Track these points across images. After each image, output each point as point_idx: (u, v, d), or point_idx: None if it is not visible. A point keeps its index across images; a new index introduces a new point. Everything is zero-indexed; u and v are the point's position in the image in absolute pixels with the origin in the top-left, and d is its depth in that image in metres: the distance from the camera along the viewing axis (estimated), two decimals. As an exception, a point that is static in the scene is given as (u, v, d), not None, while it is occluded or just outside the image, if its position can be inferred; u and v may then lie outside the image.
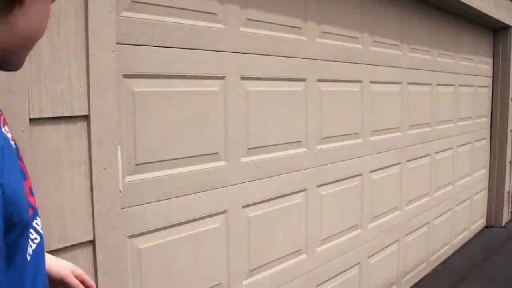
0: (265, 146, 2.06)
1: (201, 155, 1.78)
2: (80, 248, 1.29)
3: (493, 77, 4.82)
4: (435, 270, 3.81)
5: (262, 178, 2.04)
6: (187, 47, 1.70)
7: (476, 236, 4.67)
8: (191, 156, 1.75)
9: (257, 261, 2.06)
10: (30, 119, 1.16)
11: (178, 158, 1.70)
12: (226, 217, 1.90)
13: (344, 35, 2.57)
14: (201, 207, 1.80)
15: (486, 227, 4.93)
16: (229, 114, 1.88)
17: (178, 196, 1.70)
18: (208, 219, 1.83)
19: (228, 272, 1.93)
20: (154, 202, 1.63)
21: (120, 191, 1.39)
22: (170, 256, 1.70)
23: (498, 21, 4.31)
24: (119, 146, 1.38)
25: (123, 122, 1.50)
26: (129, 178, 1.54)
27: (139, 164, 1.58)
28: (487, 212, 4.97)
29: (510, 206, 5.12)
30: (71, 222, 1.26)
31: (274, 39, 2.09)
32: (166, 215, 1.67)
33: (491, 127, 4.86)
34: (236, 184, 1.91)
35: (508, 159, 4.85)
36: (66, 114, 1.23)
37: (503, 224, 4.92)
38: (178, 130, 1.69)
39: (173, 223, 1.70)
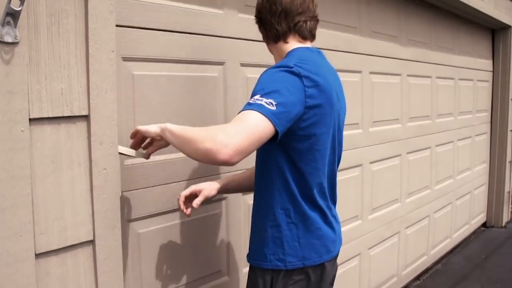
0: None
1: None
2: (80, 248, 1.29)
3: (493, 77, 4.82)
4: (435, 270, 3.81)
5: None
6: (186, 31, 1.70)
7: (476, 236, 4.67)
8: None
9: None
10: (30, 119, 1.16)
11: None
12: (226, 204, 1.90)
13: (342, 24, 2.56)
14: None
15: (486, 227, 4.93)
16: (229, 100, 1.87)
17: (178, 181, 1.70)
18: (208, 205, 1.83)
19: (228, 260, 1.93)
20: (154, 186, 1.62)
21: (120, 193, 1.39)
22: (169, 241, 1.69)
23: (498, 21, 4.31)
24: (119, 146, 1.38)
25: (122, 106, 1.50)
26: (128, 162, 1.54)
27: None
28: (487, 212, 4.97)
29: (510, 206, 5.12)
30: (71, 222, 1.26)
31: None
32: (166, 199, 1.66)
33: (491, 127, 4.85)
34: (236, 170, 1.90)
35: (508, 159, 4.85)
36: (66, 114, 1.23)
37: (503, 224, 4.92)
38: (177, 115, 1.69)
39: (173, 208, 1.69)
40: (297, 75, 1.24)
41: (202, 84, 1.77)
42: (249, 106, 1.17)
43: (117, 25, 1.37)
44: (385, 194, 3.08)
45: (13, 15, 1.09)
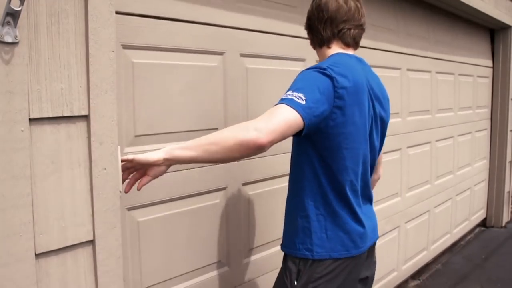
0: None
1: (201, 130, 1.78)
2: (80, 248, 1.29)
3: (493, 76, 4.82)
4: (435, 270, 3.81)
5: (263, 156, 2.01)
6: (186, 19, 1.70)
7: (476, 236, 4.67)
8: (191, 131, 1.74)
9: (256, 241, 2.06)
10: (30, 119, 1.16)
11: (178, 132, 1.70)
12: (225, 194, 1.90)
13: None
14: (200, 183, 1.79)
15: (486, 227, 4.93)
16: (228, 90, 1.88)
17: (178, 170, 1.70)
18: (208, 194, 1.83)
19: (229, 250, 1.94)
20: None
21: (120, 191, 1.39)
22: (169, 230, 1.70)
23: (498, 21, 4.31)
24: (119, 146, 1.38)
25: (122, 93, 1.50)
26: (128, 150, 1.54)
27: (138, 136, 1.58)
28: (487, 212, 4.97)
29: (510, 206, 5.12)
30: (71, 222, 1.26)
31: (272, 17, 2.09)
32: (165, 188, 1.67)
33: (491, 127, 4.85)
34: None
35: (508, 159, 4.85)
36: (66, 114, 1.23)
37: (503, 224, 4.92)
38: (177, 104, 1.69)
39: (173, 197, 1.70)
40: (329, 76, 1.32)
41: (202, 73, 1.77)
42: (281, 100, 1.27)
43: (116, 12, 1.37)
44: (385, 188, 3.08)
45: (13, 15, 1.09)
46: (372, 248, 1.56)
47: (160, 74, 1.63)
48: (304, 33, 2.34)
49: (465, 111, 4.27)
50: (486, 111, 4.76)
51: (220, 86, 1.85)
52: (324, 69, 1.34)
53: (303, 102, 1.25)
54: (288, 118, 1.22)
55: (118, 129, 1.38)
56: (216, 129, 1.84)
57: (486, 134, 4.79)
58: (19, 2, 1.08)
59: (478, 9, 3.75)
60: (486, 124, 4.78)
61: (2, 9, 1.08)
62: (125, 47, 1.52)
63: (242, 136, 1.18)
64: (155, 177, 1.34)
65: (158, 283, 1.68)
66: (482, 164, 4.75)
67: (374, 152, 1.56)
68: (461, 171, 4.28)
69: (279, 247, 2.26)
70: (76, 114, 1.25)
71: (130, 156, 1.31)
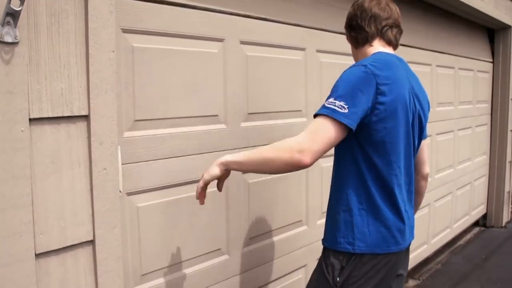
0: (265, 113, 2.06)
1: (201, 117, 1.77)
2: (80, 248, 1.29)
3: (493, 75, 4.82)
4: (435, 270, 3.81)
5: (259, 145, 2.00)
6: (186, 4, 1.69)
7: (476, 236, 4.67)
8: (191, 117, 1.74)
9: (257, 230, 2.06)
10: (30, 119, 1.16)
11: (178, 118, 1.69)
12: (225, 182, 1.89)
13: (339, 7, 2.55)
14: (201, 169, 1.78)
15: (486, 227, 4.93)
16: (228, 78, 1.87)
17: (177, 156, 1.69)
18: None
19: (228, 238, 1.93)
20: (153, 160, 1.61)
21: (120, 191, 1.39)
22: (169, 216, 1.69)
23: (498, 21, 4.31)
24: (119, 146, 1.39)
25: (121, 78, 1.49)
26: (127, 134, 1.53)
27: (138, 120, 1.57)
28: (487, 210, 4.96)
29: (510, 206, 5.12)
30: (71, 222, 1.26)
31: (273, 5, 2.08)
32: (165, 174, 1.65)
33: (491, 127, 4.85)
34: (235, 148, 1.90)
35: (508, 159, 4.84)
36: (66, 114, 1.23)
37: (503, 224, 4.92)
38: (177, 89, 1.68)
39: (172, 183, 1.69)
40: (370, 73, 1.37)
41: (201, 59, 1.77)
42: (324, 110, 1.33)
43: None
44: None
45: (13, 15, 1.09)
46: (408, 247, 1.59)
47: (160, 59, 1.62)
48: (304, 22, 2.36)
49: (465, 105, 4.26)
50: (486, 106, 4.75)
51: (220, 73, 1.84)
52: (365, 65, 1.39)
53: (346, 111, 1.31)
54: (332, 133, 1.30)
55: (118, 114, 1.37)
56: (216, 116, 1.84)
57: (486, 129, 4.78)
58: (19, 2, 1.08)
59: (478, 9, 3.74)
60: (486, 119, 4.77)
61: (2, 9, 1.08)
62: (125, 31, 1.51)
63: (287, 158, 1.28)
64: (225, 179, 1.49)
65: (157, 270, 1.68)
66: (482, 160, 4.74)
67: (414, 149, 1.59)
68: (461, 165, 4.27)
69: (279, 237, 2.28)
70: (76, 114, 1.26)
71: (201, 184, 1.43)
